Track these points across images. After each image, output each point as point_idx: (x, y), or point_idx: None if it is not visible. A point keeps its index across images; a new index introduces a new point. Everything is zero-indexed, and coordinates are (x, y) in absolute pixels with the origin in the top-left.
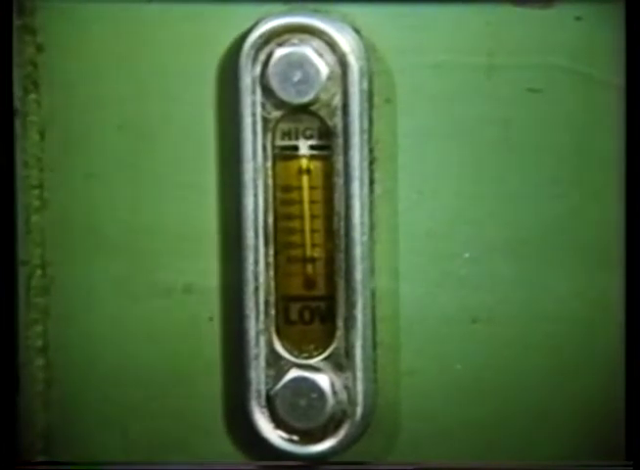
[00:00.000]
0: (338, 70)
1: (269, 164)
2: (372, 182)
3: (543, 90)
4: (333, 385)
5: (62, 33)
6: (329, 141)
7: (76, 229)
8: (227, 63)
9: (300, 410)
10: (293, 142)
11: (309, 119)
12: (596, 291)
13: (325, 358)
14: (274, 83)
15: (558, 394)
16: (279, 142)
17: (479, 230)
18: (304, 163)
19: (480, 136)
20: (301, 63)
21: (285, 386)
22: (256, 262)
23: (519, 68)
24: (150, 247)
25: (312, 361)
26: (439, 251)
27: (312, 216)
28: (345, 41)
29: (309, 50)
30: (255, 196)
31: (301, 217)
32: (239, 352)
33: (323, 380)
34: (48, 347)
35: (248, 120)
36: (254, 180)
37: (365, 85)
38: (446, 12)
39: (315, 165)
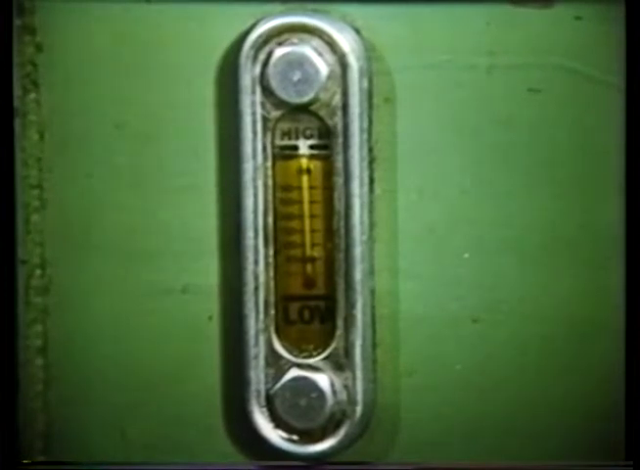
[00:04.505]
0: (337, 69)
1: (269, 163)
2: (372, 182)
3: (543, 90)
4: (332, 384)
5: (61, 33)
6: (329, 141)
7: (76, 229)
8: (227, 62)
9: (300, 410)
10: (292, 142)
11: (309, 119)
12: (596, 291)
13: (325, 358)
14: (274, 83)
15: (558, 394)
16: (279, 142)
17: (479, 230)
18: (304, 162)
19: (480, 136)
20: (301, 62)
21: (284, 385)
22: (256, 262)
23: (519, 67)
24: (149, 246)
25: (312, 361)
26: (439, 250)
27: (312, 216)
28: (345, 41)
29: (309, 50)
30: (255, 196)
31: (301, 217)
32: (238, 352)
33: (323, 380)
34: (47, 346)
35: (247, 120)
36: (254, 180)
37: (365, 85)
38: (446, 12)
39: (315, 165)
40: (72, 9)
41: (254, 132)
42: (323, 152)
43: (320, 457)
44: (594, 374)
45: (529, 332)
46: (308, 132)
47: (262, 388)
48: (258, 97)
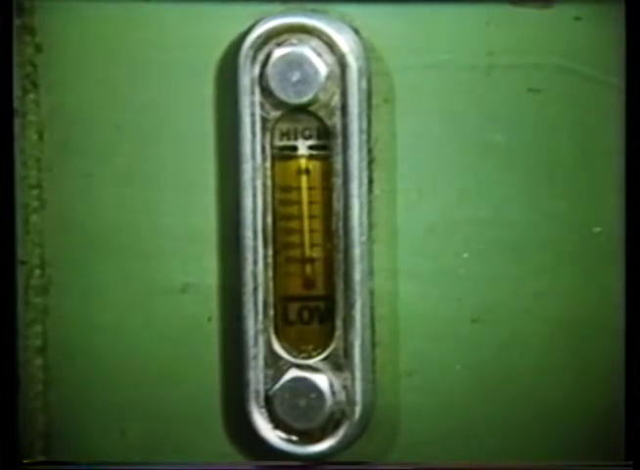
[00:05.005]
0: (336, 69)
1: (268, 164)
2: (371, 182)
3: (543, 90)
4: (332, 385)
5: (61, 33)
6: (328, 141)
7: (75, 229)
8: (226, 63)
9: (299, 411)
10: (291, 142)
11: (308, 120)
12: (596, 291)
13: (324, 359)
14: (273, 83)
15: (557, 394)
16: (278, 142)
17: (478, 230)
18: (303, 163)
19: (480, 136)
20: (300, 63)
21: (284, 386)
22: (255, 263)
23: (518, 68)
24: (148, 247)
25: (311, 362)
26: (438, 250)
27: (311, 217)
28: (344, 41)
29: (308, 50)
30: (254, 196)
31: (300, 218)
32: (237, 353)
33: (322, 380)
34: (47, 347)
35: (246, 121)
36: (253, 180)
37: (364, 85)
38: (446, 12)
39: (314, 166)
40: (72, 9)
41: (253, 133)
42: (322, 152)
43: (319, 458)
44: (594, 374)
45: (529, 332)
46: (307, 133)
47: (261, 388)
48: (257, 97)
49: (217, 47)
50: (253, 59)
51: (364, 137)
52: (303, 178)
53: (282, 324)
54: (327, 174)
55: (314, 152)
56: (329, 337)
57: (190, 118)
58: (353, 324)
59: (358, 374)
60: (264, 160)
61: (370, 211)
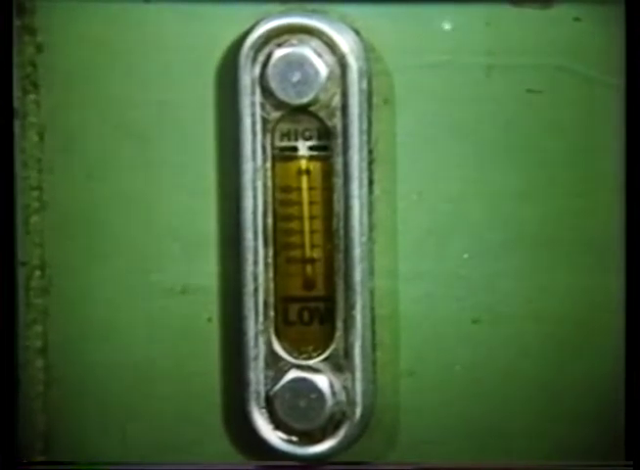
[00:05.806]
0: (337, 70)
1: (268, 164)
2: (371, 183)
3: (543, 90)
4: (332, 386)
5: (61, 33)
6: (328, 142)
7: (76, 230)
8: (226, 63)
9: (300, 411)
10: (292, 143)
11: (308, 120)
12: (596, 291)
13: (324, 359)
14: (273, 84)
15: (557, 394)
16: (278, 143)
17: (478, 230)
18: (304, 163)
19: (480, 137)
20: (301, 63)
21: (284, 387)
22: (255, 263)
23: (518, 68)
24: (149, 248)
25: (311, 362)
26: (439, 251)
27: (311, 217)
28: (345, 42)
29: (308, 50)
30: (255, 197)
31: (301, 218)
32: (238, 354)
33: (322, 381)
34: (47, 347)
35: (247, 121)
36: (254, 181)
37: (364, 86)
38: (446, 12)
39: (314, 166)
40: (73, 9)
41: (254, 133)
42: (322, 153)
43: (320, 458)
44: (594, 374)
45: (529, 332)
46: (308, 133)
47: (262, 389)
48: (258, 98)
49: (218, 47)
50: (254, 59)
51: (364, 138)
52: (304, 179)
53: (282, 325)
54: (327, 175)
55: (315, 152)
56: (329, 337)
57: (190, 119)
58: (354, 325)
59: (359, 375)
60: (265, 160)
61: (370, 212)
